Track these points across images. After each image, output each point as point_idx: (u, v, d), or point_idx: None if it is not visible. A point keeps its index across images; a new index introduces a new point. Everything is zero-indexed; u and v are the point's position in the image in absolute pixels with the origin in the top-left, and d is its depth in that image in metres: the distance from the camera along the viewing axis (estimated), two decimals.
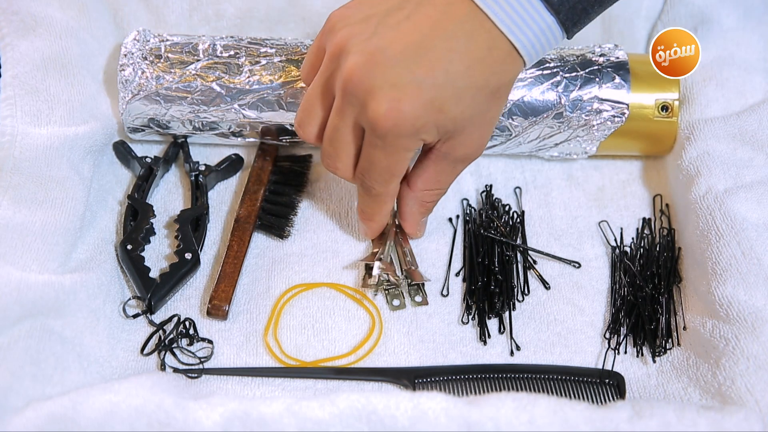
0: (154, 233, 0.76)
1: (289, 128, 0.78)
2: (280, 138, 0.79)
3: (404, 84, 0.63)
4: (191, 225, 0.75)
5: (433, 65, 0.63)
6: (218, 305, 0.71)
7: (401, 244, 0.76)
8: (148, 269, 0.72)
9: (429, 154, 0.69)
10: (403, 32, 0.64)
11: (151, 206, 0.76)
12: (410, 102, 0.63)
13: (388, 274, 0.73)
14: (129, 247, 0.73)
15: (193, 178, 0.78)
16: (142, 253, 0.73)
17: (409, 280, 0.74)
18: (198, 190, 0.78)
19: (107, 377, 0.67)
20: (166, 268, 0.73)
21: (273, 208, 0.78)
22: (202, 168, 0.79)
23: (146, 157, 0.79)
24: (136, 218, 0.75)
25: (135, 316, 0.71)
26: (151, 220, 0.75)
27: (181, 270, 0.72)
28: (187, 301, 0.73)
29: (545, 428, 0.59)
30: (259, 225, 0.77)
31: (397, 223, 0.77)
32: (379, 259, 0.74)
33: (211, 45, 0.77)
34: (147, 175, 0.78)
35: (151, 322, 0.71)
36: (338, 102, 0.66)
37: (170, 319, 0.71)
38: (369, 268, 0.74)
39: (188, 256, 0.73)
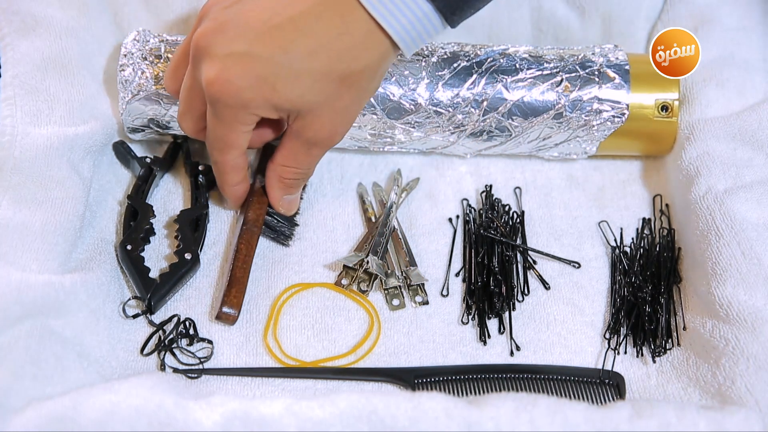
0: (154, 233, 0.76)
1: None
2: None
3: (239, 54, 0.63)
4: (191, 225, 0.75)
5: (275, 42, 0.63)
6: (228, 313, 0.71)
7: (399, 246, 0.77)
8: (148, 269, 0.72)
9: (286, 131, 0.69)
10: (260, 6, 0.64)
11: (151, 206, 0.76)
12: (239, 73, 0.63)
13: (357, 267, 0.74)
14: (129, 247, 0.73)
15: (193, 178, 0.78)
16: (142, 254, 0.73)
17: (409, 281, 0.74)
18: (198, 190, 0.78)
19: (107, 377, 0.67)
20: (166, 268, 0.73)
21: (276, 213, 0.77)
22: (202, 168, 0.79)
23: (146, 157, 0.79)
24: (136, 218, 0.75)
25: (135, 316, 0.71)
26: (151, 220, 0.75)
27: (181, 270, 0.72)
28: (187, 301, 0.73)
29: (545, 428, 0.59)
30: (263, 230, 0.76)
31: (389, 227, 0.77)
32: (359, 256, 0.74)
33: None
34: (147, 175, 0.78)
35: (151, 322, 0.71)
36: (190, 63, 0.67)
37: (170, 319, 0.71)
38: (346, 268, 0.75)
39: (188, 256, 0.73)
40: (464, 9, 0.66)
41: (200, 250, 0.75)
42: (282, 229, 0.77)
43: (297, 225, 0.77)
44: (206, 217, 0.76)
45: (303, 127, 0.67)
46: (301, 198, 0.78)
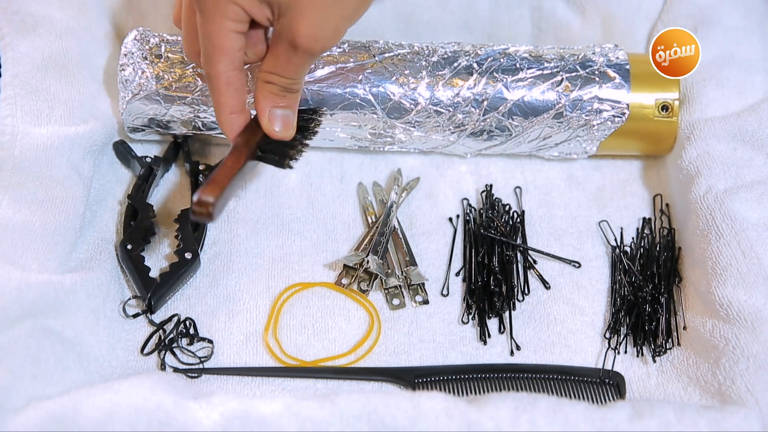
0: (154, 233, 0.76)
1: None
2: None
3: None
4: (191, 224, 0.75)
5: None
6: (203, 200, 0.63)
7: (399, 245, 0.77)
8: (148, 269, 0.72)
9: (272, 38, 0.66)
10: None
11: (151, 206, 0.76)
12: None
13: (357, 266, 0.73)
14: (129, 246, 0.73)
15: (193, 177, 0.78)
16: (142, 253, 0.73)
17: (409, 280, 0.74)
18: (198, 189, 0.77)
19: (107, 377, 0.67)
20: (166, 268, 0.73)
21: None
22: (202, 167, 0.79)
23: (146, 156, 0.79)
24: (136, 218, 0.75)
25: (135, 315, 0.71)
26: (151, 220, 0.75)
27: (181, 269, 0.72)
28: (187, 300, 0.73)
29: (545, 428, 0.59)
30: (259, 155, 0.69)
31: (390, 226, 0.77)
32: (358, 255, 0.74)
33: None
34: (147, 175, 0.78)
35: (151, 322, 0.71)
36: None
37: (170, 319, 0.71)
38: (346, 267, 0.75)
39: (188, 255, 0.73)
40: None
41: (200, 250, 0.75)
42: (284, 149, 0.70)
43: (306, 145, 0.71)
44: None
45: (285, 27, 0.63)
46: (303, 147, 0.71)
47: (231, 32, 0.64)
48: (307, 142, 0.71)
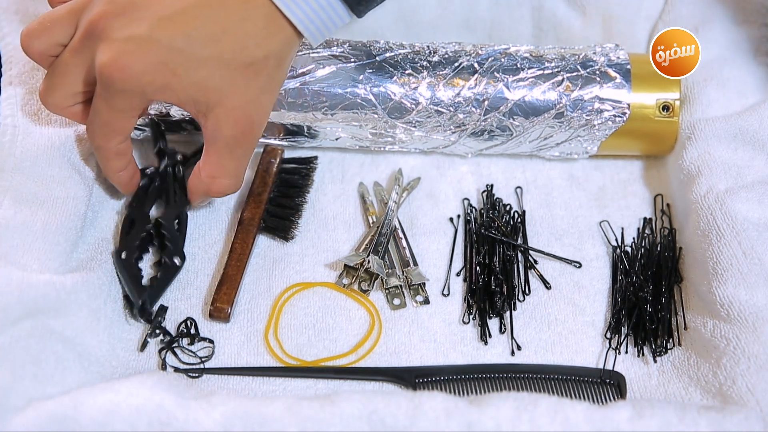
0: (154, 244, 0.74)
1: (290, 128, 0.78)
2: (282, 138, 0.79)
3: (139, 38, 0.61)
4: (174, 224, 0.74)
5: (177, 28, 0.62)
6: (220, 308, 0.71)
7: (400, 245, 0.77)
8: (141, 277, 0.71)
9: (204, 142, 0.68)
10: None
11: (148, 216, 0.74)
12: (138, 58, 0.62)
13: (359, 266, 0.74)
14: (123, 255, 0.71)
15: (169, 169, 0.76)
16: (140, 264, 0.72)
17: (410, 280, 0.74)
18: (176, 183, 0.76)
19: (108, 377, 0.67)
20: (155, 273, 0.72)
21: (278, 210, 0.77)
22: (179, 158, 0.76)
23: (146, 168, 0.77)
24: (134, 227, 0.74)
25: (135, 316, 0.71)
26: (149, 230, 0.74)
27: (170, 274, 0.71)
28: (188, 300, 0.73)
29: (546, 428, 0.59)
30: (263, 227, 0.76)
31: (390, 226, 0.77)
32: (360, 258, 0.74)
33: None
34: (147, 186, 0.76)
35: (150, 323, 0.71)
36: (76, 38, 0.64)
37: (159, 312, 0.70)
38: (348, 268, 0.75)
39: (177, 260, 0.72)
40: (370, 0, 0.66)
41: (182, 247, 0.73)
42: (282, 225, 0.77)
43: (297, 220, 0.77)
44: (184, 213, 0.75)
45: (217, 126, 0.65)
46: (298, 218, 0.78)
47: (132, 119, 0.66)
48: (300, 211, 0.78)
